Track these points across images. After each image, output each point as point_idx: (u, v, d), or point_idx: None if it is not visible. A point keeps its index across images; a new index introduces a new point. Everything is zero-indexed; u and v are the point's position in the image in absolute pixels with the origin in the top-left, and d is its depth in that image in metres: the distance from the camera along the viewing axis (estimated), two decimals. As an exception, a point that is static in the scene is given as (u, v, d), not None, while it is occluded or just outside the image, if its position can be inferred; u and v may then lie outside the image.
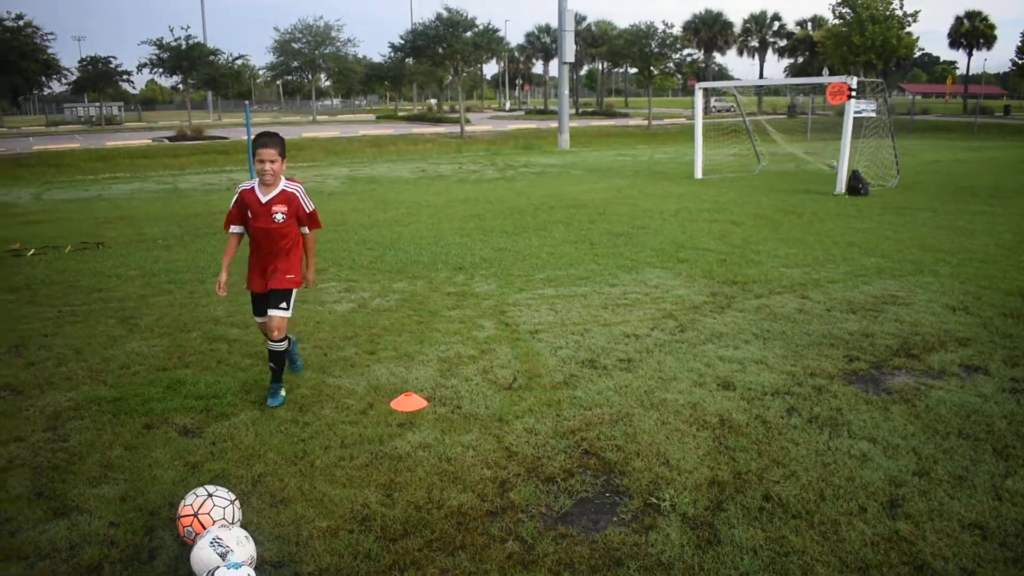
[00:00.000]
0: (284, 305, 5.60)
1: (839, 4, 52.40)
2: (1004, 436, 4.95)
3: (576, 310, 8.04)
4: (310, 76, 70.74)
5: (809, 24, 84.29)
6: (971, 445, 4.83)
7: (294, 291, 5.65)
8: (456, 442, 4.98)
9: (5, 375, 6.36)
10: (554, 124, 43.54)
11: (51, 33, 34.59)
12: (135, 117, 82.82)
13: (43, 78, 36.76)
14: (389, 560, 3.73)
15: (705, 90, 23.69)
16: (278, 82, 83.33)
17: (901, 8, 51.01)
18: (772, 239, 11.78)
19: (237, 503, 3.96)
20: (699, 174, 21.41)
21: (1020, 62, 62.96)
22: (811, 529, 3.94)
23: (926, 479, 4.41)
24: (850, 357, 6.47)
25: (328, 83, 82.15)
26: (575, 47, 41.21)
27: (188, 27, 59.57)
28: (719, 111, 65.41)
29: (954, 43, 78.66)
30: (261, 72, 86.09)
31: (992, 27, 76.49)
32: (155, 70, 52.28)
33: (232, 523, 3.81)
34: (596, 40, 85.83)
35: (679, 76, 64.11)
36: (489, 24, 46.90)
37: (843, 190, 17.28)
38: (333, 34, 67.11)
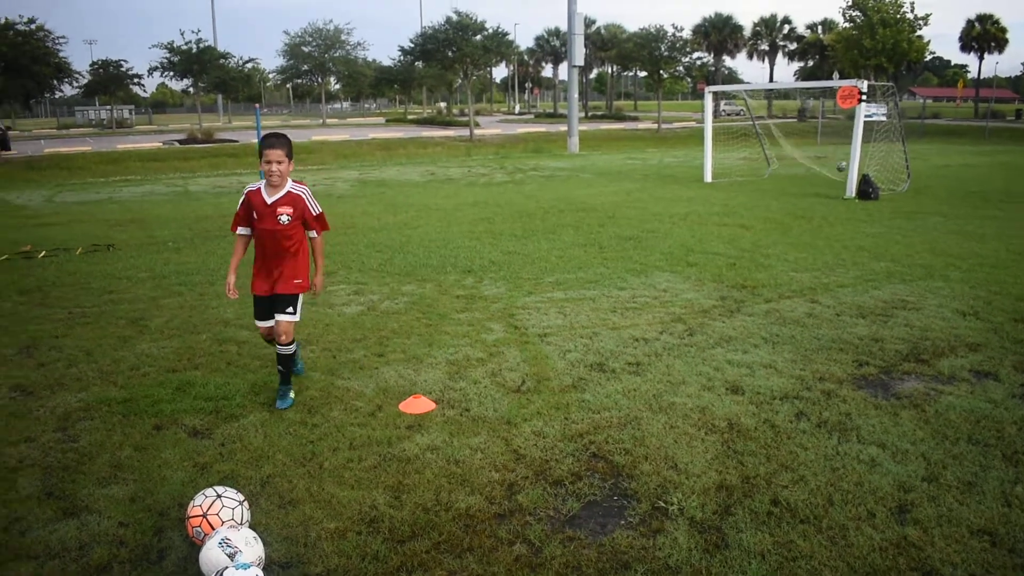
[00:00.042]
0: (291, 310, 5.58)
1: (850, 7, 52.25)
2: (1014, 442, 4.93)
3: (585, 313, 8.04)
4: (320, 79, 70.97)
5: (819, 27, 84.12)
6: (981, 451, 4.81)
7: (301, 295, 5.62)
8: (464, 444, 4.99)
9: (16, 376, 6.40)
10: (563, 127, 43.57)
11: (63, 37, 34.72)
12: (146, 120, 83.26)
13: (55, 81, 36.85)
14: (397, 562, 3.74)
15: (715, 94, 23.67)
16: (288, 85, 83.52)
17: (912, 11, 50.86)
18: (782, 243, 11.76)
19: (246, 504, 3.98)
20: (709, 178, 21.39)
21: (1032, 66, 62.59)
22: (819, 534, 3.93)
23: (935, 485, 4.39)
24: (859, 362, 6.45)
25: (338, 86, 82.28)
26: (585, 50, 41.21)
27: (199, 31, 59.82)
28: (729, 115, 65.34)
29: (965, 46, 78.36)
30: (271, 75, 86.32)
31: (1004, 30, 76.18)
32: (166, 73, 52.55)
33: (241, 524, 3.82)
34: (606, 43, 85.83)
35: (689, 79, 64.09)
36: (499, 27, 46.94)
37: (853, 194, 17.24)
38: (343, 37, 67.41)
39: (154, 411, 5.57)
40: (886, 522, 4.02)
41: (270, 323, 5.65)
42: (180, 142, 44.00)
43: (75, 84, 41.34)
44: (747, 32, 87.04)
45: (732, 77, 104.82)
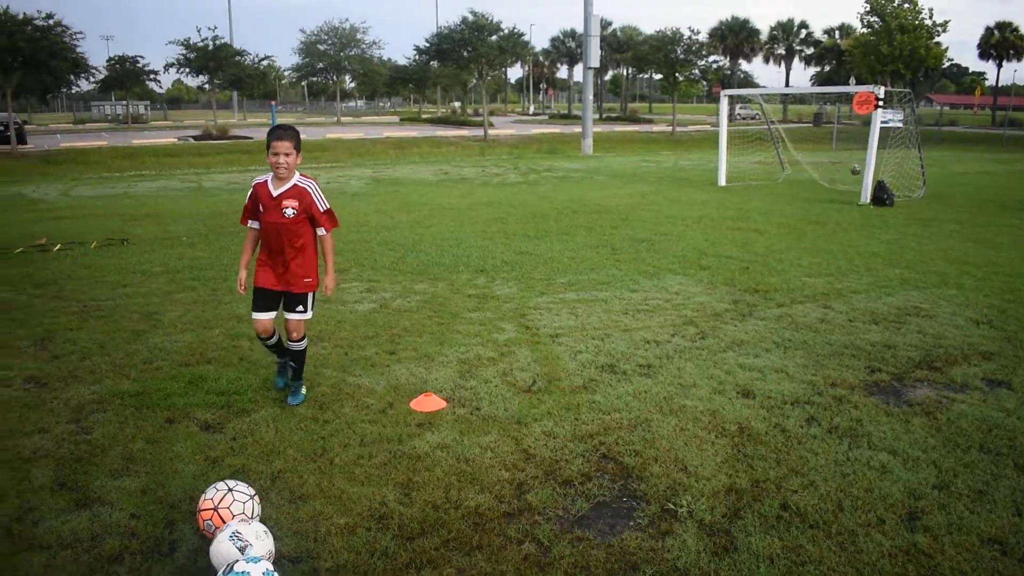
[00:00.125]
0: (301, 308, 5.53)
1: (867, 13, 52.02)
2: (1026, 450, 4.91)
3: (597, 315, 8.04)
4: (335, 78, 71.13)
5: (837, 32, 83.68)
6: (992, 459, 4.80)
7: (312, 293, 5.57)
8: (474, 443, 5.00)
9: (31, 368, 6.45)
10: (578, 129, 43.54)
11: (80, 32, 34.75)
12: (161, 116, 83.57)
13: (72, 76, 37.00)
14: (406, 558, 3.75)
15: (730, 97, 23.61)
16: (303, 83, 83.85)
17: (930, 18, 50.60)
18: (795, 248, 11.72)
19: (257, 498, 4.00)
20: (723, 181, 21.34)
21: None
22: (828, 539, 3.92)
23: (946, 492, 4.38)
24: (871, 368, 6.43)
25: (353, 85, 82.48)
26: (600, 52, 41.17)
27: (215, 28, 60.07)
28: (744, 119, 65.16)
29: (984, 54, 77.92)
30: (286, 73, 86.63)
31: (1023, 38, 75.67)
32: (182, 70, 52.61)
33: (251, 518, 3.85)
34: (621, 45, 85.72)
35: (704, 83, 63.97)
36: (514, 28, 46.89)
37: (868, 200, 17.17)
38: (359, 36, 67.54)
39: (166, 405, 5.61)
40: (896, 529, 4.01)
41: (268, 316, 5.53)
42: (195, 138, 44.18)
43: (92, 79, 41.43)
44: (764, 36, 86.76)
45: (748, 81, 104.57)
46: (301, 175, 5.40)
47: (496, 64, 49.78)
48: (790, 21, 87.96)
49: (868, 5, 51.14)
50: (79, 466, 4.70)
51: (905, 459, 4.79)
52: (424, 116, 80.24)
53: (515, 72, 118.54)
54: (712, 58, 58.17)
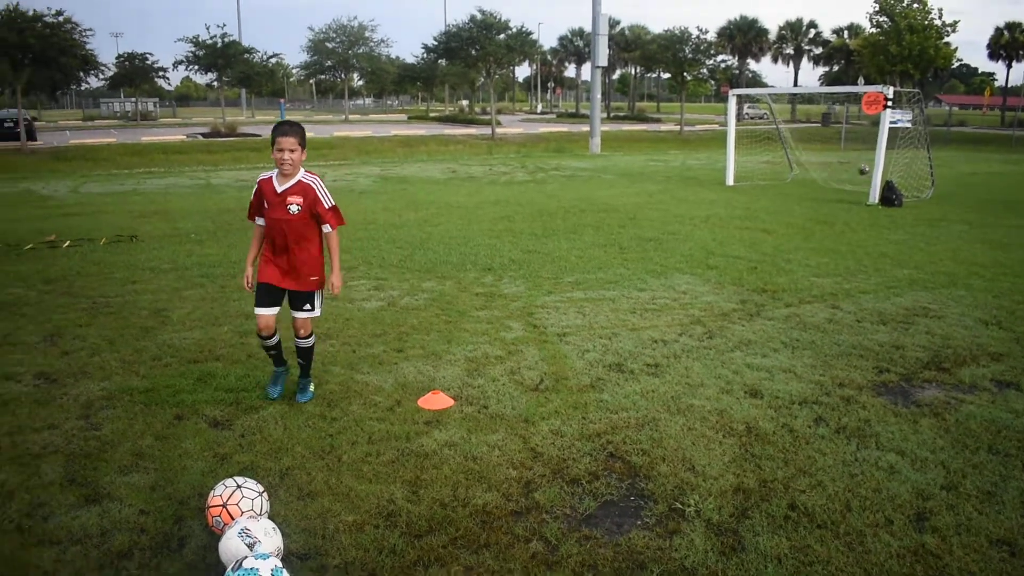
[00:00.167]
0: (308, 307, 5.51)
1: (876, 13, 51.79)
2: (1035, 452, 4.89)
3: (604, 314, 8.04)
4: (343, 75, 71.18)
5: (845, 32, 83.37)
6: (1001, 461, 4.78)
7: (317, 291, 5.54)
8: (482, 441, 5.01)
9: (40, 364, 6.48)
10: (585, 128, 43.50)
11: (89, 29, 34.84)
12: (170, 113, 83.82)
13: (81, 73, 37.10)
14: (414, 556, 3.76)
15: (738, 97, 23.57)
16: (311, 81, 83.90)
17: (940, 18, 50.36)
18: (803, 248, 11.70)
19: (265, 495, 4.01)
20: (731, 181, 21.32)
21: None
22: (836, 539, 3.92)
23: (954, 493, 4.37)
24: (880, 368, 6.42)
25: (361, 83, 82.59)
26: (608, 51, 41.14)
27: (224, 25, 60.03)
28: (752, 118, 65.04)
29: (993, 54, 77.49)
30: (294, 71, 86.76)
31: (1032, 39, 75.24)
32: (191, 67, 52.75)
33: (260, 514, 3.86)
34: (629, 44, 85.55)
35: (712, 82, 63.88)
36: (522, 27, 46.86)
37: (876, 200, 17.13)
38: (367, 34, 67.57)
39: (175, 401, 5.63)
40: (904, 529, 4.01)
41: (271, 312, 5.46)
42: (204, 135, 44.28)
43: (101, 76, 41.50)
44: (772, 36, 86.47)
45: (756, 80, 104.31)
46: (306, 171, 5.36)
47: (504, 63, 49.69)
48: (799, 21, 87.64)
49: (877, 5, 50.87)
50: (88, 462, 4.72)
51: (913, 460, 4.78)
52: (432, 114, 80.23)
53: (523, 71, 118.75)
54: (720, 57, 58.12)
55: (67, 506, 4.21)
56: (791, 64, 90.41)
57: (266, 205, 5.36)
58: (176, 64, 54.70)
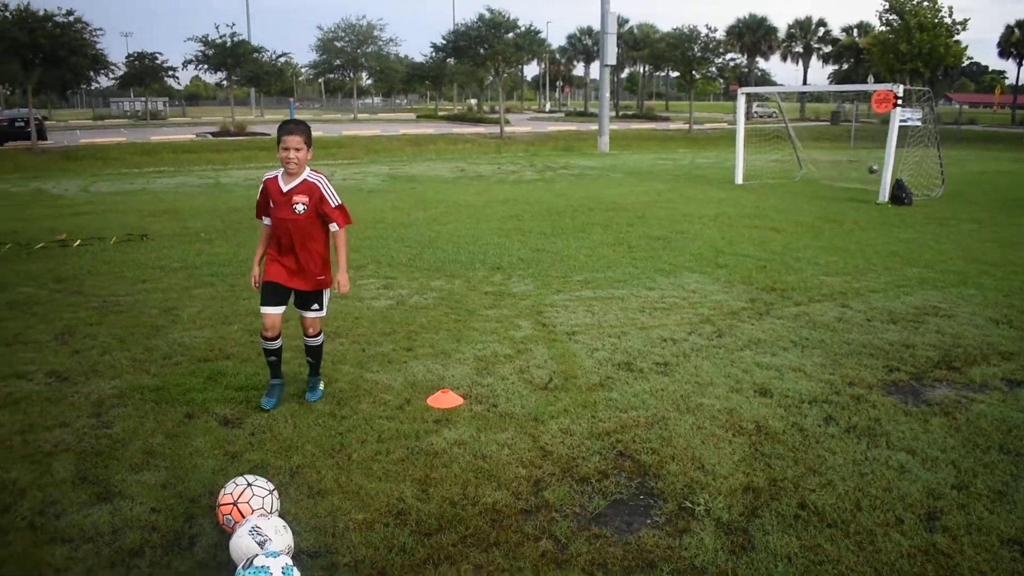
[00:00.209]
0: (316, 307, 5.51)
1: (886, 11, 51.55)
2: (1047, 451, 4.87)
3: (613, 312, 8.03)
4: (352, 75, 71.28)
5: (855, 30, 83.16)
6: (1012, 460, 4.77)
7: (325, 291, 5.54)
8: (491, 440, 5.01)
9: (52, 362, 6.51)
10: (594, 126, 43.47)
11: (100, 29, 34.95)
12: (179, 112, 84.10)
13: (91, 73, 37.27)
14: (424, 554, 3.77)
15: (748, 95, 23.51)
16: (320, 80, 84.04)
17: (950, 16, 50.12)
18: (812, 247, 11.67)
19: (276, 493, 4.02)
20: (740, 179, 21.27)
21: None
22: (847, 538, 3.91)
23: (965, 493, 4.36)
24: (890, 367, 6.40)
25: (369, 82, 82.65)
26: (617, 50, 41.09)
27: (233, 24, 60.24)
28: (761, 117, 64.89)
29: (1004, 52, 77.05)
30: (304, 70, 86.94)
31: (1043, 36, 74.80)
32: (200, 66, 52.90)
33: (270, 513, 3.87)
34: (638, 43, 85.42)
35: (721, 81, 63.67)
36: (531, 25, 46.85)
37: (886, 199, 17.07)
38: (376, 33, 67.66)
39: (186, 399, 5.65)
40: (915, 529, 3.99)
41: (277, 311, 5.40)
42: (213, 134, 44.42)
43: (111, 76, 41.72)
44: (781, 34, 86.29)
45: (765, 79, 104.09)
46: (311, 170, 5.32)
47: (512, 61, 49.74)
48: (808, 19, 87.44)
49: (887, 3, 50.65)
50: (100, 460, 4.74)
51: (924, 459, 4.76)
52: (440, 113, 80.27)
53: (531, 69, 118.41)
54: (729, 56, 58.01)
55: (79, 504, 4.23)
56: (800, 62, 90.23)
57: (272, 205, 5.32)
58: (186, 63, 54.71)
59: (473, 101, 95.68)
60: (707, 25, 66.54)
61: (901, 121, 18.03)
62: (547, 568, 3.68)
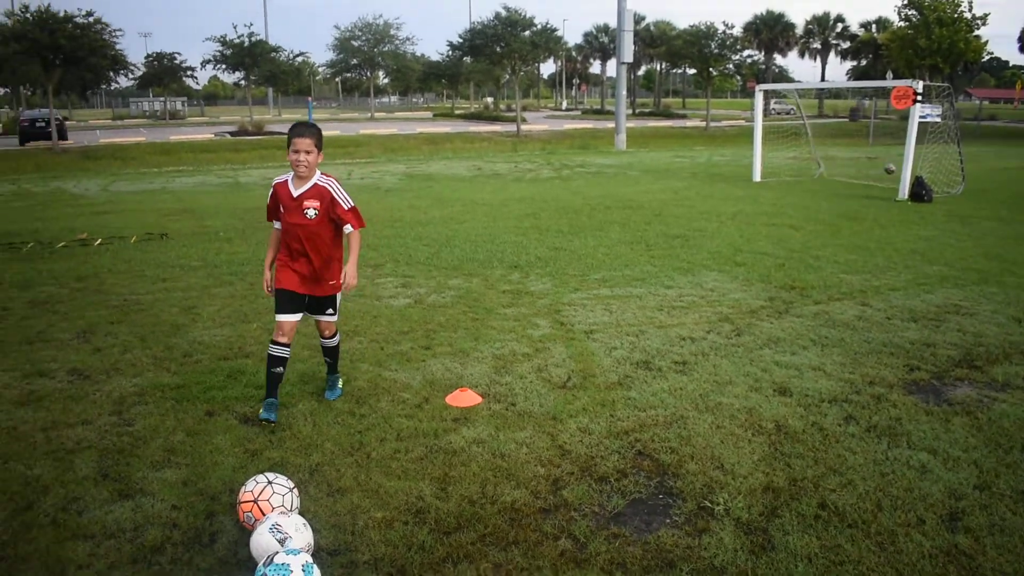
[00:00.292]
0: (331, 311, 5.48)
1: (905, 6, 51.19)
2: (1070, 451, 4.82)
3: (631, 311, 8.02)
4: (369, 73, 71.52)
5: (873, 26, 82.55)
6: (1035, 459, 4.72)
7: (338, 295, 5.51)
8: (510, 439, 5.01)
9: (73, 360, 6.57)
10: (611, 124, 43.39)
11: (119, 29, 35.22)
12: (198, 112, 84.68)
13: (111, 73, 37.57)
14: (443, 553, 3.77)
15: (765, 92, 23.39)
16: (337, 79, 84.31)
17: (970, 11, 49.70)
18: (832, 244, 11.60)
19: (296, 491, 4.04)
20: (758, 177, 21.17)
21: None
22: (867, 539, 3.88)
23: (987, 493, 4.32)
24: (910, 366, 6.36)
25: (386, 80, 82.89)
26: (633, 47, 41.00)
27: (251, 24, 60.59)
28: (779, 114, 64.55)
29: (1025, 47, 76.43)
30: (321, 69, 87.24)
31: (1065, 31, 74.01)
32: (218, 66, 53.24)
33: (291, 510, 3.89)
34: (655, 40, 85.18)
35: (738, 78, 63.42)
36: (547, 23, 46.84)
37: (906, 196, 16.94)
38: (392, 32, 67.85)
39: (206, 397, 5.68)
40: (936, 529, 3.97)
41: (294, 318, 5.26)
42: (231, 134, 44.68)
43: (130, 76, 42.02)
44: (799, 30, 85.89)
45: (783, 75, 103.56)
46: (322, 173, 5.24)
47: (529, 59, 49.68)
48: (826, 15, 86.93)
49: (906, -2, 50.37)
50: (121, 457, 4.78)
51: (945, 459, 4.73)
52: (457, 112, 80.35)
53: (548, 67, 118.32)
54: (747, 53, 57.75)
55: (101, 501, 4.27)
56: (818, 59, 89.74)
57: (282, 209, 5.24)
58: (204, 63, 55.09)
59: (489, 99, 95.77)
60: (724, 22, 66.23)
61: (921, 117, 17.89)
62: (566, 567, 3.68)
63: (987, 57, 67.54)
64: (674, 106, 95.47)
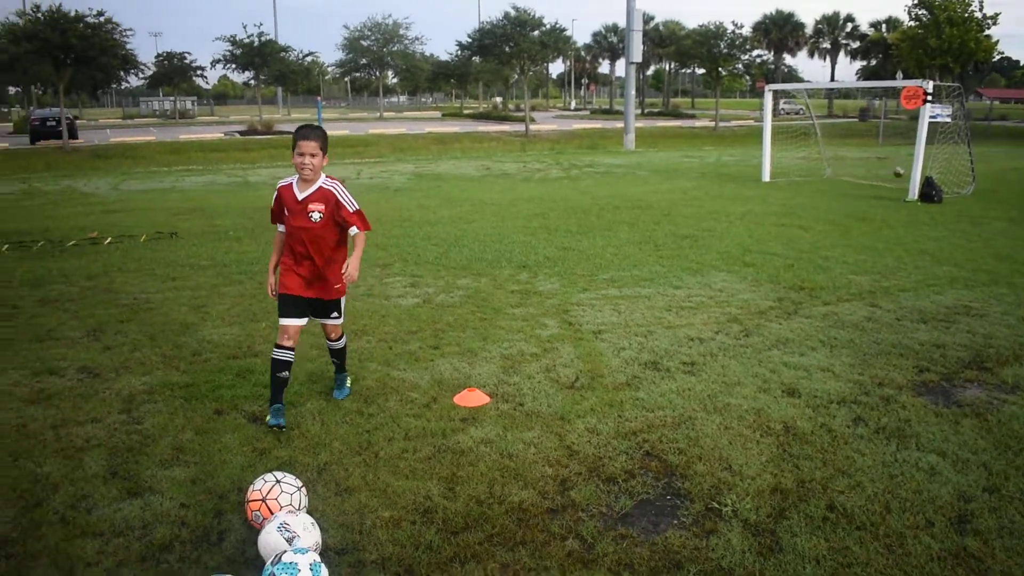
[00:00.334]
0: (336, 315, 5.46)
1: (915, 6, 50.97)
2: (1081, 454, 4.80)
3: (640, 311, 8.01)
4: (378, 73, 71.55)
5: (883, 26, 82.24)
6: (1045, 462, 4.70)
7: (343, 298, 5.49)
8: (518, 439, 5.01)
9: (83, 358, 6.59)
10: (619, 124, 43.34)
11: (130, 29, 35.40)
12: (208, 111, 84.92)
13: (121, 72, 37.71)
14: (450, 552, 3.78)
15: (774, 92, 23.32)
16: (346, 79, 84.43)
17: (980, 10, 49.46)
18: (841, 245, 11.57)
19: (304, 490, 4.05)
20: (767, 177, 21.12)
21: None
22: (876, 541, 3.87)
23: (996, 495, 4.30)
24: (920, 368, 6.33)
25: (395, 80, 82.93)
26: (642, 47, 40.95)
27: (260, 24, 60.69)
28: (788, 113, 64.36)
29: (1036, 47, 75.96)
30: (330, 69, 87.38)
31: (1077, 31, 73.54)
32: (228, 66, 53.34)
33: (299, 509, 3.90)
34: (664, 40, 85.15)
35: (748, 77, 63.25)
36: (556, 23, 46.83)
37: (915, 197, 16.88)
38: (401, 32, 67.87)
39: (215, 396, 5.70)
40: (945, 532, 3.95)
41: (299, 322, 5.25)
42: (241, 133, 44.76)
43: (141, 75, 42.18)
44: (809, 30, 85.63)
45: (792, 75, 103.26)
46: (327, 177, 5.19)
47: (538, 59, 49.67)
48: (836, 14, 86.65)
49: (916, -2, 50.16)
50: (130, 455, 4.80)
51: (954, 461, 4.71)
52: (466, 111, 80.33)
53: (557, 67, 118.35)
54: (756, 52, 57.63)
55: (110, 499, 4.29)
56: (828, 59, 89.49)
57: (287, 213, 5.20)
58: (214, 63, 55.19)
59: (498, 99, 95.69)
60: (733, 21, 66.18)
61: (931, 117, 17.83)
62: (573, 568, 3.68)
63: (998, 57, 67.20)
64: (683, 106, 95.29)
